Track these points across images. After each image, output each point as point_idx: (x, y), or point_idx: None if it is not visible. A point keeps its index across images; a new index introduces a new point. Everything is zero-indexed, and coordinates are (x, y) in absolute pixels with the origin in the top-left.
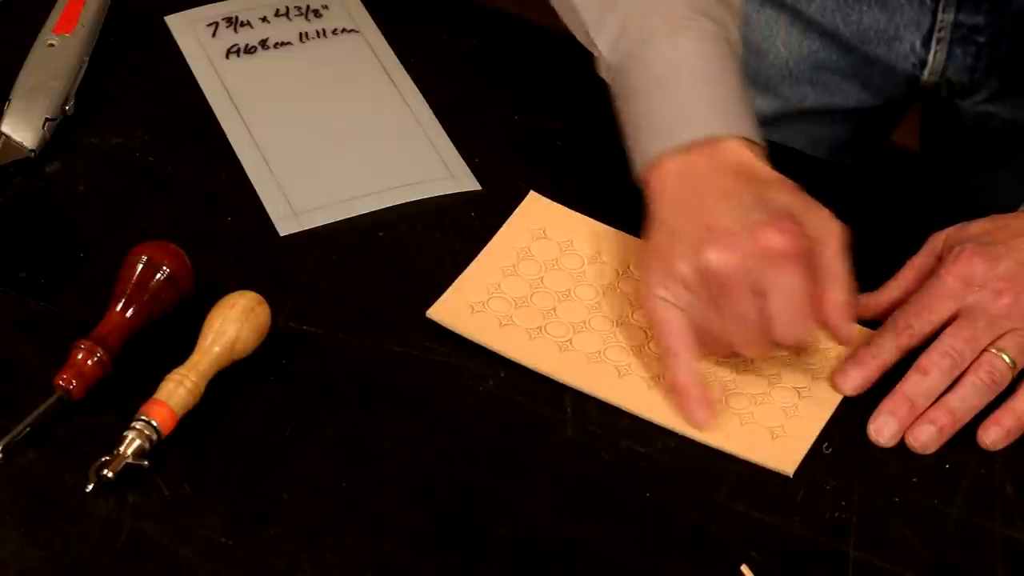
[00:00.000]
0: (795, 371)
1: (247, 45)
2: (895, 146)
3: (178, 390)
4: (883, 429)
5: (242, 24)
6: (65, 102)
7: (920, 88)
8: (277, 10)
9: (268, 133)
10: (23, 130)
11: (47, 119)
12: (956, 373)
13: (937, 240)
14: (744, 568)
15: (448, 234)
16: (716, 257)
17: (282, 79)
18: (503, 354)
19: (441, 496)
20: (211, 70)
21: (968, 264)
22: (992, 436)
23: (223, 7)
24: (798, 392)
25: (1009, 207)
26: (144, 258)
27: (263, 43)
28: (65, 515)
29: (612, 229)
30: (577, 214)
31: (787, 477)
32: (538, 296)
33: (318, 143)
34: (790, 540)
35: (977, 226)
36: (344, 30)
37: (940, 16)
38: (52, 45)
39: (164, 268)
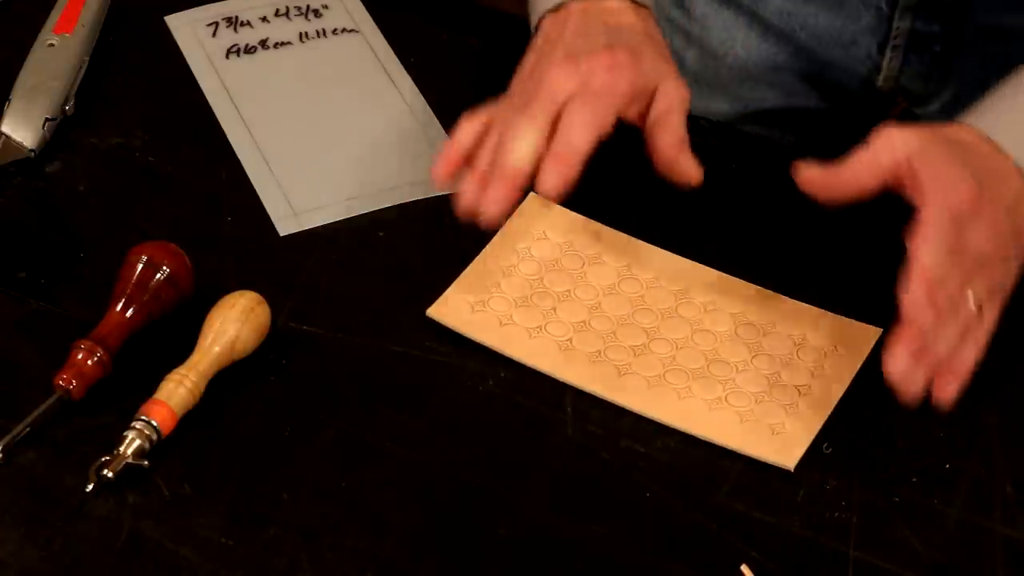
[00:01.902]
0: (795, 369)
1: (247, 45)
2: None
3: (178, 390)
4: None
5: (242, 24)
6: (65, 102)
7: (878, 93)
8: (277, 10)
9: (268, 133)
10: (23, 130)
11: (47, 119)
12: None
13: (892, 150)
14: (744, 568)
15: (448, 234)
16: (543, 67)
17: (282, 79)
18: (503, 353)
19: (441, 496)
20: (211, 70)
21: (976, 245)
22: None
23: (223, 7)
24: (798, 390)
25: None
26: (144, 258)
27: (263, 43)
28: (65, 515)
29: (612, 230)
30: (577, 215)
31: (787, 477)
32: (538, 296)
33: (318, 143)
34: (790, 540)
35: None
36: (344, 30)
37: (896, 23)
38: (52, 45)
39: (164, 268)
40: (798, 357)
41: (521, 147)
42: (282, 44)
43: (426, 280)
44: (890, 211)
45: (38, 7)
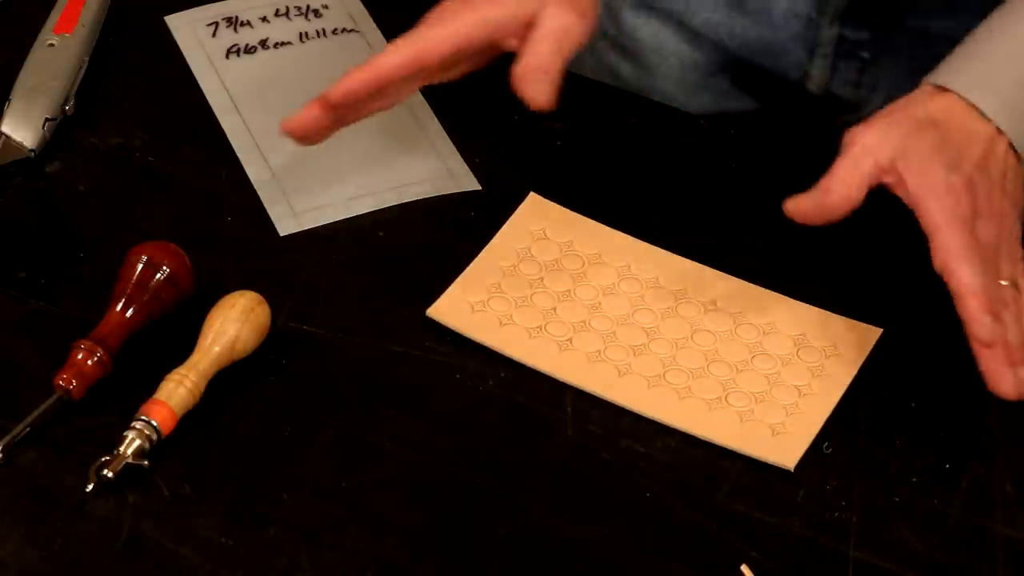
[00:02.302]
0: (796, 369)
1: (247, 45)
2: None
3: (178, 390)
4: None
5: (242, 24)
6: (65, 102)
7: (813, 98)
8: (277, 10)
9: (268, 133)
10: (23, 130)
11: (47, 119)
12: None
13: (869, 155)
14: (744, 568)
15: (448, 234)
16: None
17: (282, 79)
18: (503, 353)
19: (441, 496)
20: (211, 70)
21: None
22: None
23: (223, 7)
24: (798, 390)
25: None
26: (144, 258)
27: (263, 43)
28: (65, 515)
29: (612, 230)
30: (577, 215)
31: (787, 477)
32: (538, 296)
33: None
34: (790, 540)
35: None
36: (344, 30)
37: (824, 31)
38: (52, 45)
39: (164, 268)
40: (798, 357)
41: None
42: (282, 44)
43: (426, 280)
44: (890, 211)
45: (38, 7)
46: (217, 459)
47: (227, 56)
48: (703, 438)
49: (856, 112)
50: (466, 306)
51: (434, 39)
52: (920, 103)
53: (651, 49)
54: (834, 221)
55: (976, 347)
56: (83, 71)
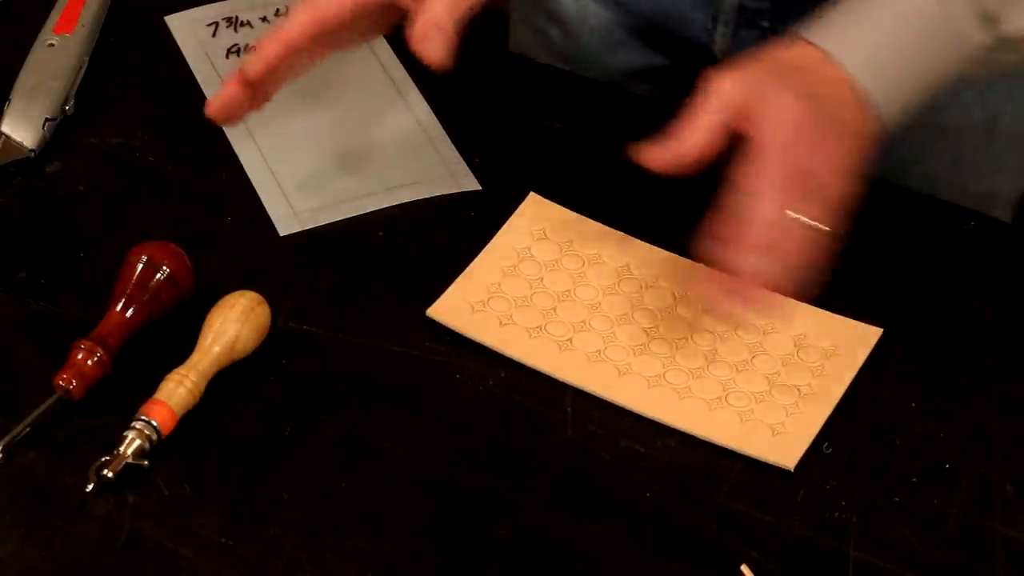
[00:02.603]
0: (796, 369)
1: (247, 45)
2: None
3: (178, 390)
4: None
5: (242, 24)
6: (65, 102)
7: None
8: (277, 10)
9: (268, 133)
10: (23, 130)
11: (47, 119)
12: None
13: (721, 98)
14: (744, 568)
15: (448, 234)
16: None
17: None
18: (503, 353)
19: (441, 496)
20: (211, 70)
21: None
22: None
23: (223, 7)
24: (798, 390)
25: None
26: (144, 258)
27: None
28: (65, 515)
29: (612, 230)
30: (577, 215)
31: (787, 477)
32: (538, 296)
33: (318, 142)
34: (790, 540)
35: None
36: None
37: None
38: (52, 45)
39: (164, 268)
40: (798, 357)
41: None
42: None
43: (426, 280)
44: (890, 212)
45: (38, 7)
46: (217, 459)
47: (227, 56)
48: (703, 438)
49: None
50: (466, 306)
51: (332, 1)
52: (779, 51)
53: (573, 14)
54: (689, 170)
55: (721, 262)
56: (83, 71)
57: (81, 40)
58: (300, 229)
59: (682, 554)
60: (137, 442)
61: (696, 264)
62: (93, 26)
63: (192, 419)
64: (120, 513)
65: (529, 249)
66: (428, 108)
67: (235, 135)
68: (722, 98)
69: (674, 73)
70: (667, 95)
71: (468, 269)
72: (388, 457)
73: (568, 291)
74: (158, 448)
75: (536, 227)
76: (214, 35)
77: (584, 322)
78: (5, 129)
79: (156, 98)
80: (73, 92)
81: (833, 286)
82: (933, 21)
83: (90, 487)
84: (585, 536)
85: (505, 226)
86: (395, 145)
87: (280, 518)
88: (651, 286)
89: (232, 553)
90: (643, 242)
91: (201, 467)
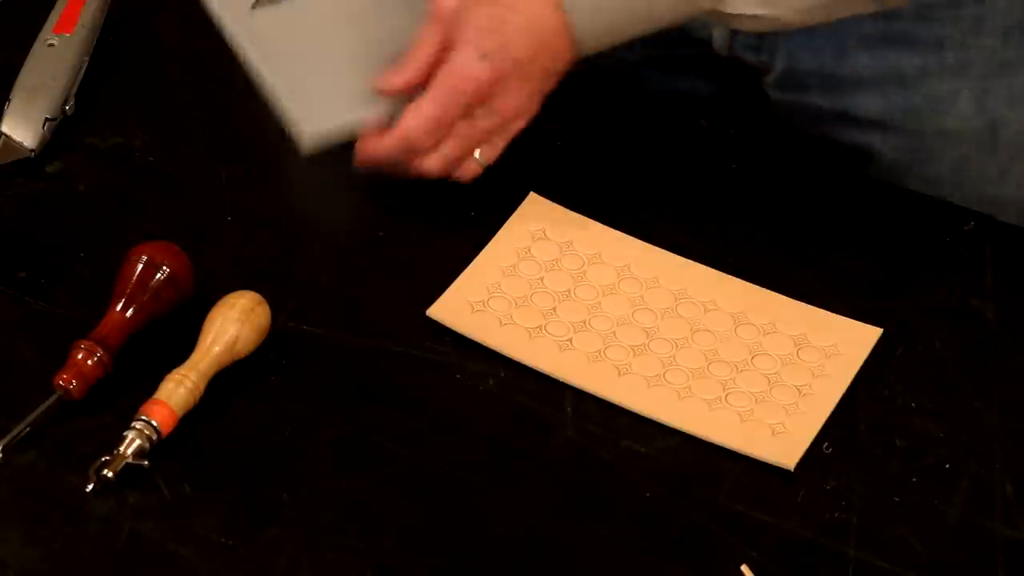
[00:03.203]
0: (796, 369)
1: None
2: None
3: (178, 390)
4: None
5: None
6: (65, 102)
7: (721, 60)
8: None
9: (285, 47)
10: (23, 130)
11: (47, 119)
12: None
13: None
14: (744, 568)
15: (448, 234)
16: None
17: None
18: (503, 353)
19: (441, 496)
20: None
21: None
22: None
23: None
24: (799, 390)
25: None
26: (144, 258)
27: None
28: (65, 515)
29: (612, 230)
30: (577, 215)
31: (787, 477)
32: (538, 296)
33: (338, 51)
34: (790, 540)
35: None
36: None
37: None
38: (52, 45)
39: (164, 268)
40: (798, 357)
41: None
42: None
43: (426, 280)
44: (890, 212)
45: (38, 7)
46: (217, 459)
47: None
48: (703, 438)
49: (767, 75)
50: (466, 306)
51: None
52: None
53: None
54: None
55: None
56: (83, 71)
57: (81, 40)
58: (319, 133)
59: (682, 554)
60: (137, 442)
61: (697, 265)
62: (93, 26)
63: (192, 419)
64: (120, 513)
65: (529, 249)
66: None
67: (254, 54)
68: (441, 21)
69: (674, 64)
70: (666, 90)
71: (468, 269)
72: (388, 457)
73: (568, 291)
74: (158, 448)
75: (536, 227)
76: None
77: (584, 322)
78: (5, 129)
79: (156, 98)
80: (73, 92)
81: (833, 286)
82: None
83: (90, 487)
84: (585, 536)
85: (505, 227)
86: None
87: (280, 518)
88: (651, 286)
89: (232, 553)
90: (643, 242)
91: (201, 467)
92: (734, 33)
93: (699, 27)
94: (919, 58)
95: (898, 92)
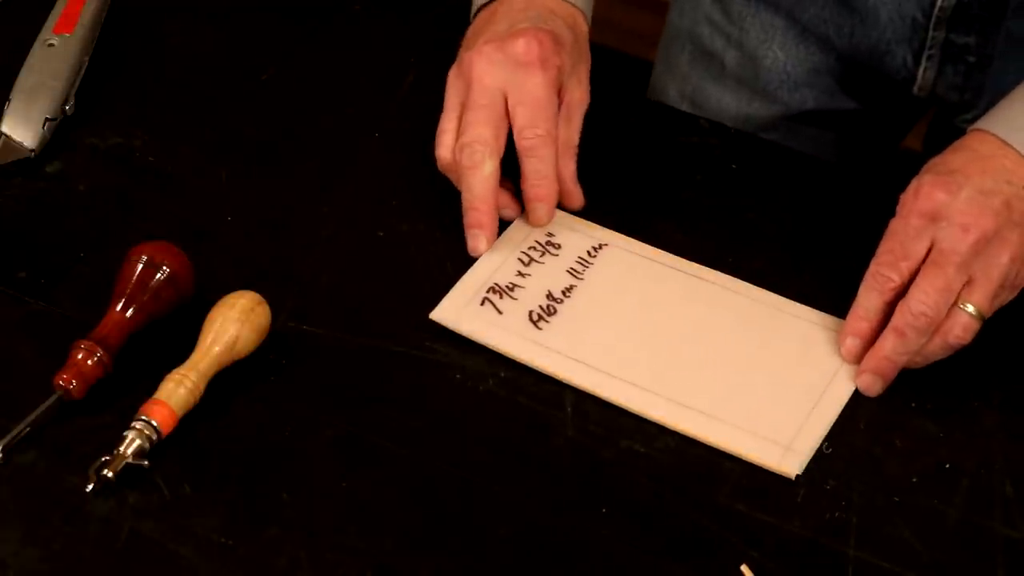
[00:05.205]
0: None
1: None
2: (908, 151)
3: (178, 390)
4: (872, 387)
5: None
6: (65, 102)
7: (916, 99)
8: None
9: None
10: (23, 130)
11: (47, 119)
12: (932, 330)
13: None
14: (744, 568)
15: (449, 234)
16: (467, 56)
17: None
18: (503, 353)
19: (441, 496)
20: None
21: (929, 198)
22: (864, 383)
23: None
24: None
25: None
26: (144, 258)
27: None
28: (65, 515)
29: (613, 231)
30: (577, 216)
31: (788, 478)
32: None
33: None
34: (790, 540)
35: (933, 160)
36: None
37: (931, 33)
38: (52, 45)
39: (164, 268)
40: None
41: (478, 177)
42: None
43: (426, 280)
44: (890, 212)
45: (38, 7)
46: (217, 459)
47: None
48: (704, 441)
49: (963, 113)
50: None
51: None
52: (958, 142)
53: (758, 40)
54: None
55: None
56: (83, 71)
57: (81, 40)
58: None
59: (682, 554)
60: (137, 442)
61: (698, 265)
62: (93, 26)
63: (192, 419)
64: (120, 513)
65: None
66: None
67: None
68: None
69: (851, 119)
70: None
71: (470, 270)
72: (388, 457)
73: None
74: (158, 448)
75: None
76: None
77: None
78: (5, 129)
79: (156, 98)
80: (73, 92)
81: (833, 286)
82: None
83: (90, 487)
84: (585, 536)
85: (506, 228)
86: None
87: (280, 518)
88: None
89: (232, 553)
90: (644, 243)
91: (201, 467)
92: (939, 73)
93: (898, 69)
94: None
95: None
